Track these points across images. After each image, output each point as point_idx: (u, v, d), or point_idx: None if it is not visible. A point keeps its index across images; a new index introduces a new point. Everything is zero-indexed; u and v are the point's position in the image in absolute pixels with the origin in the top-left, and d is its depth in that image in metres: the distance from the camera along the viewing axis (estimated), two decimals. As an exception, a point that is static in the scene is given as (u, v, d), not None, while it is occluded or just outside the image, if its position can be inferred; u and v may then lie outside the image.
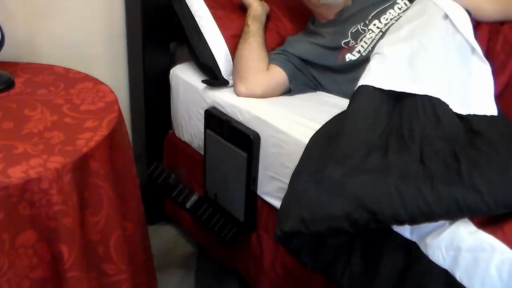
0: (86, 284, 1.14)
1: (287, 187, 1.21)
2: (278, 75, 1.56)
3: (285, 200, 1.14)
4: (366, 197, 1.03)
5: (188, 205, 1.46)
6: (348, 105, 1.25)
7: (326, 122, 1.28)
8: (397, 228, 1.08)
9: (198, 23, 1.60)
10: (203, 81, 1.61)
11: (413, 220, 1.02)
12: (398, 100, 1.23)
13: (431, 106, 1.18)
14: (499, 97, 1.22)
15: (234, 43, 1.61)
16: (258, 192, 1.51)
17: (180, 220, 1.87)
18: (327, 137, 1.20)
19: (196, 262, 1.84)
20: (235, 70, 1.57)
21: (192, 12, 1.60)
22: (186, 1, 1.62)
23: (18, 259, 1.07)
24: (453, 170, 1.02)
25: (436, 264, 1.02)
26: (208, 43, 1.59)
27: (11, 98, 1.30)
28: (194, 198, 1.46)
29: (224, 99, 1.55)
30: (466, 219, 1.02)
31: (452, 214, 1.00)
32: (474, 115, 1.16)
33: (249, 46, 1.56)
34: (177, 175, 1.50)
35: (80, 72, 1.45)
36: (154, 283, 1.54)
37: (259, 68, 1.54)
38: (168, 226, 1.98)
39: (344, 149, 1.12)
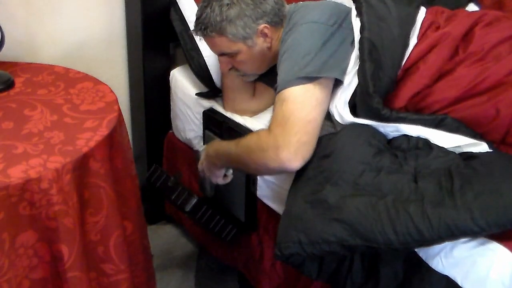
0: (86, 284, 1.14)
1: (283, 191, 1.21)
2: (266, 94, 1.54)
3: (282, 222, 1.16)
4: (359, 224, 1.03)
5: (187, 208, 1.45)
6: (342, 128, 1.24)
7: (318, 140, 1.26)
8: None
9: (191, 30, 1.59)
10: (196, 94, 1.61)
11: (406, 247, 1.02)
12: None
13: (424, 141, 1.17)
14: None
15: None
16: (258, 195, 1.51)
17: (181, 220, 1.87)
18: (321, 156, 1.19)
19: (196, 262, 1.84)
20: (223, 98, 1.57)
21: (186, 19, 1.59)
22: (180, 8, 1.61)
23: (18, 259, 1.07)
24: (446, 189, 1.01)
25: (436, 271, 1.02)
26: (201, 50, 1.57)
27: (11, 98, 1.30)
28: (193, 200, 1.45)
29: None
30: None
31: (445, 239, 0.99)
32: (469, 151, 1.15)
33: (230, 76, 1.49)
34: (176, 178, 1.49)
35: (80, 72, 1.45)
36: (153, 283, 1.54)
37: (244, 98, 1.53)
38: (168, 226, 1.98)
39: (338, 170, 1.12)
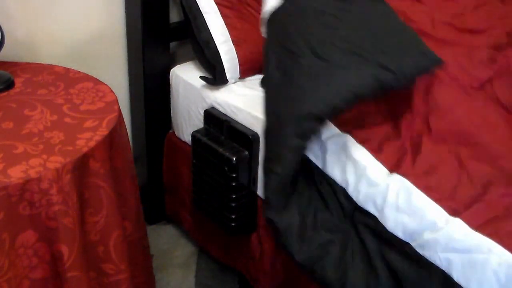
0: (86, 284, 1.14)
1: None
2: None
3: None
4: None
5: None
6: None
7: None
8: (390, 228, 1.10)
9: (205, 19, 1.60)
10: (201, 77, 1.60)
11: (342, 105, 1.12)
12: None
13: None
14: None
15: (240, 42, 1.60)
16: (258, 193, 1.51)
17: (181, 220, 1.88)
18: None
19: (196, 262, 1.84)
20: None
21: (200, 8, 1.60)
22: None
23: (18, 259, 1.07)
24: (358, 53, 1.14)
25: (433, 264, 1.03)
26: (214, 39, 1.58)
27: (11, 98, 1.30)
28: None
29: (224, 99, 1.55)
30: (461, 221, 1.02)
31: (375, 92, 1.11)
32: None
33: None
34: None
35: (80, 72, 1.45)
36: (153, 283, 1.54)
37: None
38: (168, 226, 1.98)
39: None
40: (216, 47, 1.58)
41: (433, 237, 1.03)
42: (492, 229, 1.00)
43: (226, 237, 1.67)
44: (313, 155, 1.26)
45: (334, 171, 1.22)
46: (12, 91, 1.33)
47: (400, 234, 1.09)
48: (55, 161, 1.08)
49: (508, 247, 0.97)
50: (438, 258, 1.02)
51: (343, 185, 1.21)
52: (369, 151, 1.18)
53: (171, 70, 1.75)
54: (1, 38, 1.33)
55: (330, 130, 1.25)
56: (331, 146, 1.22)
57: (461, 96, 1.26)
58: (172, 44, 1.78)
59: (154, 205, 1.92)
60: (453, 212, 1.04)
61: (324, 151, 1.24)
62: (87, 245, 1.17)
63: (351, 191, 1.19)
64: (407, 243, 1.07)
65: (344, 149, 1.20)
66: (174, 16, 1.78)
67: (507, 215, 1.02)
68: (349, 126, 1.23)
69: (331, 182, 1.23)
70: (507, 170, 1.11)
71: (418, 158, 1.14)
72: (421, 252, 1.05)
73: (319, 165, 1.25)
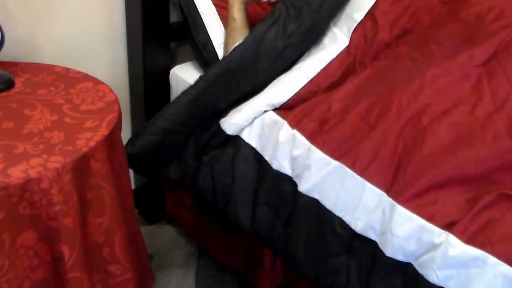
0: (87, 284, 1.14)
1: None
2: None
3: None
4: None
5: None
6: None
7: None
8: (390, 253, 1.09)
9: (203, 21, 1.59)
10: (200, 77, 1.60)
11: None
12: None
13: None
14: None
15: None
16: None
17: (180, 220, 1.87)
18: None
19: (196, 262, 1.84)
20: (227, 47, 1.53)
21: (198, 9, 1.60)
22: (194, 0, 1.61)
23: (19, 259, 1.07)
24: None
25: (431, 283, 1.02)
26: (212, 41, 1.58)
27: (11, 98, 1.30)
28: None
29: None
30: (453, 236, 1.01)
31: None
32: None
33: (240, 11, 1.49)
34: None
35: (80, 72, 1.45)
36: (152, 283, 1.54)
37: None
38: (168, 226, 1.98)
39: None
40: (214, 49, 1.58)
41: (430, 256, 1.02)
42: (483, 239, 0.99)
43: (226, 237, 1.67)
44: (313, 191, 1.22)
45: (330, 201, 1.18)
46: (12, 91, 1.33)
47: (400, 257, 1.08)
48: (55, 161, 1.08)
49: (501, 256, 0.96)
50: (436, 276, 1.01)
51: (340, 214, 1.17)
52: (360, 174, 1.14)
53: (171, 70, 1.75)
54: (1, 38, 1.33)
55: (322, 160, 1.20)
56: (325, 177, 1.18)
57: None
58: (172, 44, 1.78)
59: (154, 205, 1.91)
60: (446, 227, 1.03)
61: (320, 183, 1.19)
62: (92, 247, 1.17)
63: (348, 219, 1.15)
64: (409, 263, 1.07)
65: (337, 177, 1.16)
66: (174, 16, 1.78)
67: (495, 221, 1.01)
68: (340, 152, 1.18)
69: (327, 214, 1.19)
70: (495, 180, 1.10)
71: (409, 174, 1.10)
72: (420, 270, 1.04)
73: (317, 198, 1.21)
